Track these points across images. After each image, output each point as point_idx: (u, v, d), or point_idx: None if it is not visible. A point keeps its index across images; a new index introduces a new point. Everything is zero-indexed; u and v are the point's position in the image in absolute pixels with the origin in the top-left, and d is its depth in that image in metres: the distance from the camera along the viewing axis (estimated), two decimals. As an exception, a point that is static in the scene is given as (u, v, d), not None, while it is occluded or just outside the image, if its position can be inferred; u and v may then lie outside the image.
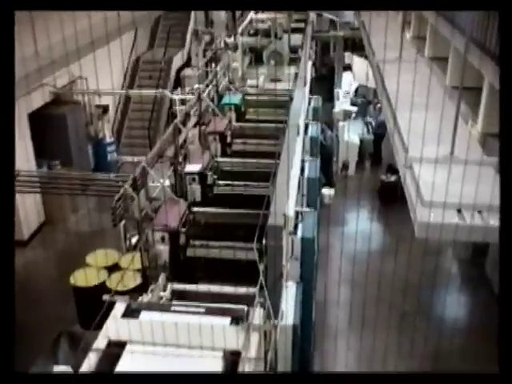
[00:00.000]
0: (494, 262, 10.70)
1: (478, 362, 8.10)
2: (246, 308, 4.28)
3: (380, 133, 16.08)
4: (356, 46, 18.26)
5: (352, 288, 9.59)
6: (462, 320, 10.07)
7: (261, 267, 4.60)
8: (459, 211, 5.31)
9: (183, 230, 5.51)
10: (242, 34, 12.29)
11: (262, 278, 4.49)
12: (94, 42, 7.57)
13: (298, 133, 7.45)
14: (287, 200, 5.38)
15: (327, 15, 17.63)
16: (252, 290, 4.63)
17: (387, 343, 7.61)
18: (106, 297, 4.37)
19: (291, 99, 8.38)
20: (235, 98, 9.03)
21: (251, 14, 13.91)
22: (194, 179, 6.48)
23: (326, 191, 13.70)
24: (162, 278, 5.14)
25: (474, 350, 8.64)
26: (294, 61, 11.88)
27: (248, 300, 4.51)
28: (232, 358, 3.88)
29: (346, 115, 16.49)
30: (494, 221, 5.14)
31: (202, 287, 5.03)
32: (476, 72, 7.13)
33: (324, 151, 12.79)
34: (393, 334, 7.87)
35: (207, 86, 9.43)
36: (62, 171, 12.45)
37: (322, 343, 8.61)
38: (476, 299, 10.41)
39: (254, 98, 9.72)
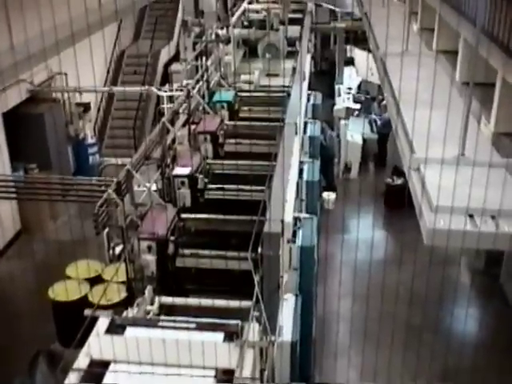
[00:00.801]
0: (509, 272, 10.74)
1: (490, 378, 8.14)
2: (240, 323, 4.28)
3: (385, 132, 16.13)
4: (358, 38, 18.33)
5: (355, 301, 9.59)
6: (475, 334, 10.09)
7: (256, 278, 4.61)
8: (471, 216, 5.33)
9: (172, 238, 5.51)
10: (234, 26, 12.31)
11: (257, 290, 4.50)
12: (74, 35, 7.56)
13: (296, 132, 7.47)
14: (285, 205, 5.39)
15: (327, 5, 17.68)
16: (247, 303, 4.63)
17: (393, 361, 7.61)
18: (87, 312, 4.37)
19: (288, 96, 8.41)
20: (228, 95, 9.05)
21: (245, 4, 13.95)
22: (183, 183, 6.49)
23: (327, 196, 13.73)
24: (148, 290, 5.14)
25: (487, 366, 8.66)
26: (292, 54, 11.92)
27: (242, 314, 4.51)
28: (225, 377, 3.88)
29: (349, 113, 16.53)
30: (509, 227, 5.16)
31: (193, 301, 5.04)
32: (488, 66, 7.16)
33: (324, 152, 12.81)
34: (399, 351, 7.87)
35: (197, 81, 9.45)
36: (39, 175, 12.43)
37: (323, 361, 8.60)
38: (490, 312, 10.44)
39: (248, 94, 9.75)
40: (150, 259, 5.32)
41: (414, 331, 8.91)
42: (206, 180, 6.80)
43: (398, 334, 8.48)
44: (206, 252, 5.62)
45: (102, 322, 4.36)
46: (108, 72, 18.06)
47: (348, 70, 18.98)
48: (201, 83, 9.45)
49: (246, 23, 13.50)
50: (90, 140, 15.33)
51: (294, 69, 9.83)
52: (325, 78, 19.59)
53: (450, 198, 5.15)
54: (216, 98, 9.03)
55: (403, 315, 8.74)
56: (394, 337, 7.77)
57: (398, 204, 13.42)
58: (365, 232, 13.30)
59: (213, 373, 3.91)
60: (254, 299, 4.45)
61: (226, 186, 6.77)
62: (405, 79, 6.18)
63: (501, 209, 5.16)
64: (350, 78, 18.80)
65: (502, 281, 10.99)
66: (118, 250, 6.09)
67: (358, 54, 18.97)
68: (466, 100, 6.23)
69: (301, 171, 7.49)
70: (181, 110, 8.20)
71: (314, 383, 7.10)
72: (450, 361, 8.49)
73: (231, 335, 4.18)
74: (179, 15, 18.58)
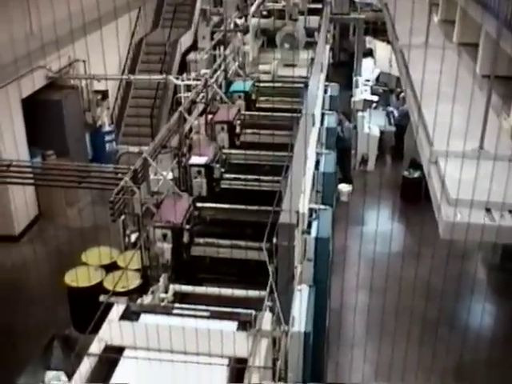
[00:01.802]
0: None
1: (505, 373, 8.12)
2: (254, 312, 4.29)
3: (402, 124, 16.02)
4: (378, 29, 18.20)
5: (370, 294, 9.57)
6: (490, 330, 10.03)
7: (271, 268, 4.61)
8: (488, 210, 5.29)
9: (187, 226, 5.52)
10: (253, 15, 12.27)
11: (271, 280, 4.50)
12: (92, 22, 7.59)
13: (314, 123, 7.44)
14: (301, 196, 5.38)
15: (347, -5, 17.55)
16: (261, 293, 4.64)
17: (408, 355, 7.59)
18: (103, 298, 4.40)
19: (306, 86, 8.37)
20: (245, 85, 9.02)
21: (264, -6, 13.89)
22: (199, 172, 6.49)
23: (343, 188, 13.69)
24: (163, 278, 5.16)
25: (502, 361, 8.62)
26: (310, 45, 11.85)
27: (256, 304, 4.52)
28: (238, 366, 3.90)
29: (366, 105, 16.44)
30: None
31: (207, 289, 5.05)
32: (509, 59, 7.08)
33: (341, 144, 12.77)
34: (414, 345, 7.85)
35: (215, 71, 9.45)
36: (57, 162, 12.52)
37: (337, 353, 8.61)
38: (505, 307, 10.37)
39: (266, 84, 9.72)
40: (165, 247, 5.34)
41: (430, 325, 8.89)
42: (222, 170, 6.80)
43: (413, 327, 8.47)
44: (221, 241, 5.64)
45: (117, 309, 4.39)
46: (126, 60, 18.09)
47: (367, 62, 18.85)
48: (218, 73, 9.45)
49: (264, 13, 13.44)
50: (108, 127, 15.40)
51: (312, 59, 9.77)
52: (343, 70, 19.48)
53: (467, 191, 5.12)
54: (233, 87, 9.02)
55: (418, 309, 8.72)
56: (409, 330, 7.76)
57: (414, 197, 13.37)
58: (380, 225, 13.25)
59: (226, 361, 3.93)
60: (268, 289, 4.46)
61: (241, 176, 6.77)
62: (424, 71, 6.12)
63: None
64: (368, 70, 18.67)
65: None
66: (133, 237, 6.13)
67: (378, 46, 18.84)
68: (487, 93, 6.17)
69: (317, 163, 7.46)
70: (198, 100, 8.21)
71: (327, 383, 7.09)
72: (465, 355, 8.45)
73: (245, 324, 4.19)
74: (198, 4, 18.55)
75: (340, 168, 13.68)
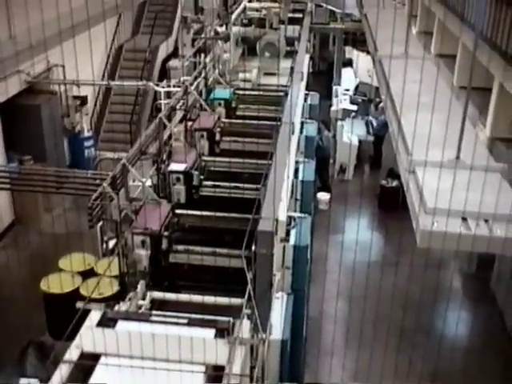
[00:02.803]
0: (500, 275, 10.78)
1: (479, 380, 8.19)
2: (232, 320, 4.28)
3: (381, 134, 16.16)
4: (358, 40, 18.34)
5: (347, 302, 9.62)
6: (465, 337, 10.13)
7: (249, 276, 4.61)
8: (464, 219, 5.36)
9: (166, 233, 5.51)
10: (234, 23, 12.31)
11: (250, 287, 4.50)
12: (73, 27, 7.55)
13: (293, 132, 7.48)
14: (279, 204, 5.40)
15: (327, 5, 17.69)
16: (239, 300, 4.64)
17: (384, 362, 7.64)
18: (79, 304, 4.35)
19: (286, 95, 8.41)
20: (225, 93, 9.05)
21: (245, 2, 13.95)
22: (178, 179, 6.49)
23: (322, 196, 13.74)
24: (141, 285, 5.14)
25: (477, 368, 8.70)
26: (290, 54, 11.92)
27: (234, 311, 4.51)
28: (215, 373, 3.89)
29: (345, 114, 16.55)
30: (501, 230, 5.19)
31: (185, 296, 5.03)
32: (485, 71, 7.19)
33: (320, 152, 12.84)
34: (390, 353, 7.90)
35: (195, 78, 9.46)
36: (34, 167, 12.39)
37: (314, 360, 8.63)
38: (480, 315, 10.48)
39: (246, 92, 9.75)
40: (143, 254, 5.32)
41: (406, 333, 8.96)
42: (202, 177, 6.80)
43: (389, 335, 8.53)
44: (200, 248, 5.63)
45: (94, 315, 4.36)
46: (106, 66, 18.02)
47: (346, 72, 19.00)
48: (199, 80, 9.46)
49: (245, 21, 13.50)
50: (86, 133, 15.28)
51: (292, 68, 9.83)
52: (323, 79, 19.60)
53: (444, 200, 5.18)
54: (214, 95, 9.03)
55: (395, 317, 8.78)
56: (385, 338, 7.81)
57: (392, 206, 13.46)
58: (358, 233, 13.33)
59: (203, 368, 3.92)
60: (246, 297, 4.46)
61: (221, 184, 6.78)
62: (403, 82, 6.19)
63: (494, 213, 5.19)
64: (347, 80, 18.82)
65: (492, 284, 11.04)
66: (111, 244, 6.09)
67: (357, 56, 18.99)
68: (463, 104, 6.25)
69: (296, 171, 7.49)
70: (178, 107, 8.20)
71: (305, 383, 7.12)
72: (441, 363, 8.52)
73: (222, 332, 4.18)
74: (179, 11, 18.55)
75: (319, 176, 13.75)
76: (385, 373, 7.46)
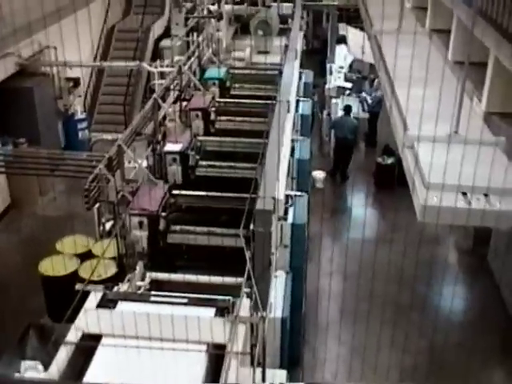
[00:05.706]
0: (496, 251, 10.83)
1: (476, 355, 8.27)
2: (231, 299, 4.29)
3: (376, 111, 16.12)
4: (351, 16, 18.21)
5: (344, 279, 9.66)
6: (462, 313, 10.20)
7: (248, 255, 4.62)
8: (464, 194, 5.36)
9: (163, 214, 5.50)
10: (226, 2, 12.20)
11: (249, 266, 4.51)
12: (64, 7, 7.47)
13: (289, 110, 7.45)
14: (277, 183, 5.39)
15: (320, -18, 17.55)
16: (238, 279, 4.65)
17: (381, 337, 7.69)
18: (79, 286, 4.35)
19: (280, 73, 8.36)
20: (219, 72, 8.98)
21: (237, -20, 13.79)
22: (174, 159, 6.46)
23: (318, 174, 13.74)
24: (139, 266, 5.14)
25: (473, 344, 8.79)
26: (284, 32, 11.83)
27: (234, 290, 4.52)
28: (216, 351, 3.90)
29: (340, 92, 16.49)
30: (501, 204, 5.20)
31: (183, 277, 5.04)
32: (480, 46, 7.14)
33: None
34: (387, 328, 7.95)
35: (189, 58, 9.38)
36: (28, 149, 12.32)
37: (313, 337, 8.69)
38: (477, 291, 10.55)
39: (240, 71, 9.68)
40: (140, 235, 5.31)
41: (402, 309, 9.02)
42: (198, 157, 6.78)
43: (386, 311, 8.59)
44: (197, 228, 5.63)
45: (94, 297, 4.36)
46: (98, 47, 17.85)
47: (340, 49, 18.88)
48: (192, 59, 9.39)
49: (238, -1, 13.37)
50: (80, 115, 15.17)
51: (286, 46, 9.76)
52: (317, 57, 19.49)
53: (442, 175, 5.17)
54: (207, 74, 8.97)
55: (391, 293, 8.83)
56: (382, 314, 7.86)
57: (388, 183, 13.46)
58: (354, 210, 13.37)
59: (204, 347, 3.93)
60: (246, 276, 4.47)
61: (217, 163, 6.77)
62: (398, 57, 6.16)
63: (493, 187, 5.19)
64: (341, 57, 18.71)
65: (489, 259, 11.10)
66: (108, 225, 6.09)
67: (351, 33, 18.86)
68: (460, 79, 6.23)
69: (292, 149, 7.47)
70: (172, 87, 8.14)
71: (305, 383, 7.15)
72: (437, 338, 8.59)
73: (222, 311, 4.19)
74: (170, -10, 18.32)
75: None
76: (381, 346, 7.53)
